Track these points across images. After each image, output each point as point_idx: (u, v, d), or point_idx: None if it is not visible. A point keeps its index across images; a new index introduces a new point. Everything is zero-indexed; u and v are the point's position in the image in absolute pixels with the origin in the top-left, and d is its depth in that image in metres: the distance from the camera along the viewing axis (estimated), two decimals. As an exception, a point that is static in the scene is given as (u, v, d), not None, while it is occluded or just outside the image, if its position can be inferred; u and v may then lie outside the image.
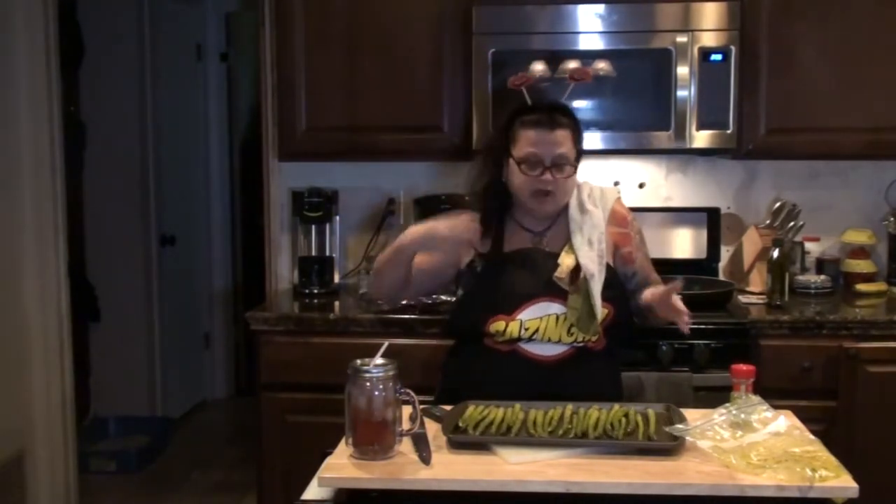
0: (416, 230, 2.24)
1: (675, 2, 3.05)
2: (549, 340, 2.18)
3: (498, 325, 2.19)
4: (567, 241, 2.26)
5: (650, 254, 2.47)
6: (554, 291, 2.20)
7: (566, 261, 2.21)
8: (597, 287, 2.18)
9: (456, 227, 2.29)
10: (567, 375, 2.18)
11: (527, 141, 2.21)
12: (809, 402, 2.69)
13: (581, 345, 2.20)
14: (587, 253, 2.22)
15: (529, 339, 2.18)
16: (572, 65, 3.03)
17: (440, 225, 2.23)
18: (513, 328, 2.18)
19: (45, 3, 3.58)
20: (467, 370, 2.28)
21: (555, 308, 2.19)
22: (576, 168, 2.26)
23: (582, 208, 2.29)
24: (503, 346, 2.20)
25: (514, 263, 2.24)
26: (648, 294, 2.25)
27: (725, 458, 1.64)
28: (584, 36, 3.08)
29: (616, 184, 3.52)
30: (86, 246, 4.91)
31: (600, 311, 2.17)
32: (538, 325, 2.18)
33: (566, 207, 2.30)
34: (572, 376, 2.18)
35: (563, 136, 2.23)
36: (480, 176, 2.35)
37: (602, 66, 3.03)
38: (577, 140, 2.27)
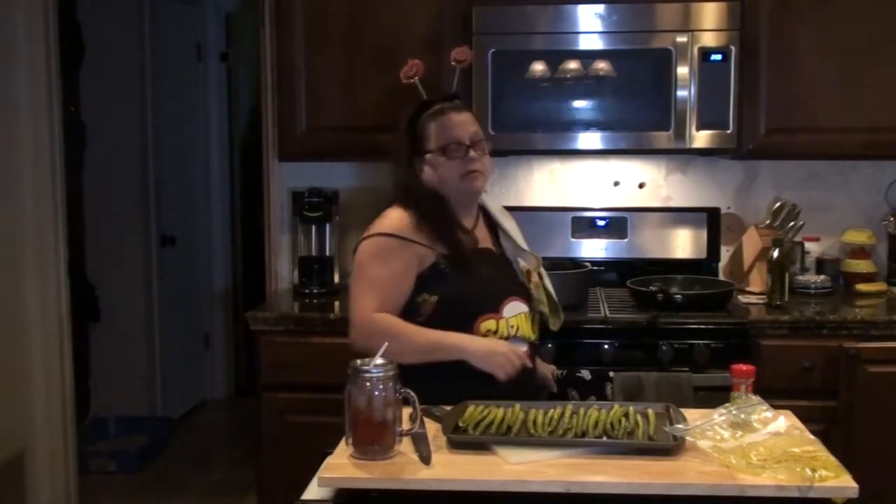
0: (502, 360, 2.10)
1: (675, 2, 3.05)
2: (523, 338, 2.23)
3: (489, 324, 2.18)
4: (493, 238, 2.36)
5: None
6: (517, 291, 2.27)
7: (530, 260, 2.32)
8: (549, 282, 2.34)
9: (406, 230, 2.20)
10: (531, 371, 2.26)
11: (441, 129, 2.24)
12: (809, 402, 2.69)
13: (535, 342, 2.30)
14: (530, 254, 2.35)
15: (513, 337, 2.21)
16: (572, 65, 3.04)
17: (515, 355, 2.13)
18: (502, 326, 2.20)
19: (45, 3, 3.58)
20: (461, 377, 2.12)
21: (522, 307, 2.26)
22: (490, 147, 2.31)
23: (504, 214, 2.41)
24: None
25: (480, 262, 2.24)
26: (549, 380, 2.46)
27: (725, 458, 1.64)
28: (584, 36, 3.08)
29: (616, 184, 3.52)
30: (86, 246, 4.91)
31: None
32: (517, 323, 2.22)
33: (482, 208, 2.38)
34: (532, 371, 2.27)
35: (470, 116, 2.29)
36: (401, 183, 2.30)
37: (602, 66, 3.03)
38: (480, 124, 2.32)
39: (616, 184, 3.53)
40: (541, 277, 2.32)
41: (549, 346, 2.81)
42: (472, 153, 2.23)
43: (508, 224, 2.37)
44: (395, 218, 2.24)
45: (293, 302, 3.37)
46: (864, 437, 2.82)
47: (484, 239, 2.34)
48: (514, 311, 2.23)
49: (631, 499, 1.59)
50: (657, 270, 3.32)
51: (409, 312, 2.19)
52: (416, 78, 2.35)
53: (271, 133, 3.54)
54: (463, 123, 2.25)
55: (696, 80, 3.04)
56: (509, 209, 3.45)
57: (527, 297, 2.28)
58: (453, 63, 2.34)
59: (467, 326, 2.16)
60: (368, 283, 2.19)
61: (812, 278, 3.33)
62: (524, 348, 2.23)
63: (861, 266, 3.38)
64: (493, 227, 2.38)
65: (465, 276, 2.20)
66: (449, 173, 2.23)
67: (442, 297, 2.18)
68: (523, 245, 2.35)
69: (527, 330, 2.25)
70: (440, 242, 2.20)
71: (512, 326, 2.21)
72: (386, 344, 1.80)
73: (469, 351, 2.11)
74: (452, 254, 2.20)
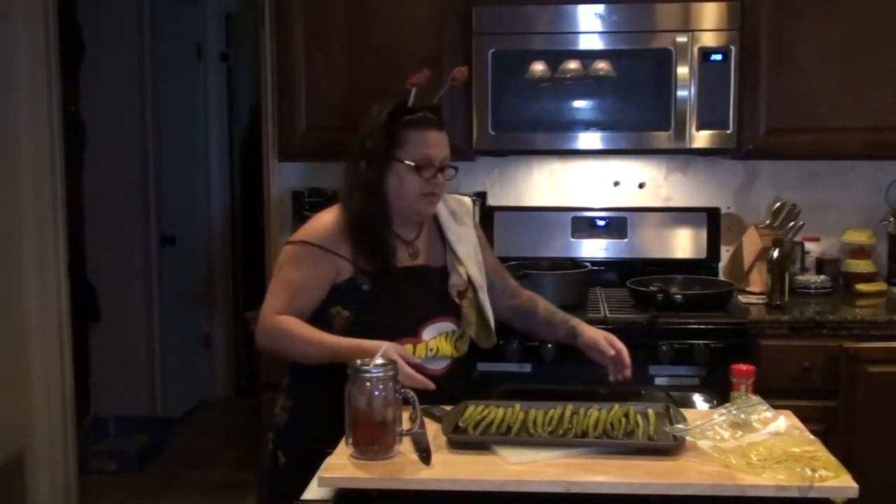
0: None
1: (675, 2, 3.05)
2: (444, 356, 2.18)
3: (406, 348, 2.07)
4: (436, 250, 2.25)
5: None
6: (444, 309, 2.19)
7: (461, 274, 2.20)
8: (486, 297, 2.23)
9: (329, 239, 2.12)
10: (450, 387, 2.17)
11: (421, 143, 2.13)
12: (809, 402, 2.69)
13: (460, 357, 2.23)
14: (473, 265, 2.24)
15: (432, 358, 2.14)
16: (572, 65, 3.04)
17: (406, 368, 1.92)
18: (420, 350, 2.13)
19: (45, 3, 3.58)
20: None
21: (448, 326, 2.19)
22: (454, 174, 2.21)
23: (457, 219, 2.28)
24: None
25: (407, 282, 2.14)
26: (602, 345, 2.25)
27: (725, 458, 1.64)
28: (584, 36, 3.08)
29: (616, 184, 3.52)
30: (86, 246, 4.91)
31: (493, 320, 2.23)
32: (437, 345, 2.17)
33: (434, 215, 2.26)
34: (452, 386, 2.19)
35: (446, 137, 2.19)
36: (357, 181, 2.17)
37: (602, 66, 3.03)
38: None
39: (616, 184, 3.53)
40: (475, 292, 2.22)
41: (549, 346, 2.81)
42: (439, 177, 2.15)
43: (454, 232, 2.25)
44: (322, 224, 2.17)
45: (293, 302, 3.37)
46: (864, 437, 2.82)
47: (426, 251, 2.24)
48: (436, 332, 2.16)
49: (631, 499, 1.59)
50: (657, 270, 3.32)
51: (322, 323, 2.11)
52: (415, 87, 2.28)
53: (271, 133, 3.54)
54: (441, 143, 2.16)
55: (696, 80, 3.04)
56: (509, 209, 3.50)
57: (457, 315, 2.21)
58: (451, 82, 2.28)
59: None
60: (280, 284, 2.14)
61: (812, 278, 3.33)
62: (443, 364, 2.18)
63: (861, 266, 3.38)
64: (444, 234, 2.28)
65: (383, 298, 2.12)
66: (411, 189, 2.13)
67: (355, 315, 2.12)
68: (462, 254, 2.23)
69: (447, 349, 2.18)
70: (364, 258, 2.12)
71: (431, 349, 2.14)
72: (386, 344, 1.80)
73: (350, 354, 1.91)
74: (375, 273, 2.12)
